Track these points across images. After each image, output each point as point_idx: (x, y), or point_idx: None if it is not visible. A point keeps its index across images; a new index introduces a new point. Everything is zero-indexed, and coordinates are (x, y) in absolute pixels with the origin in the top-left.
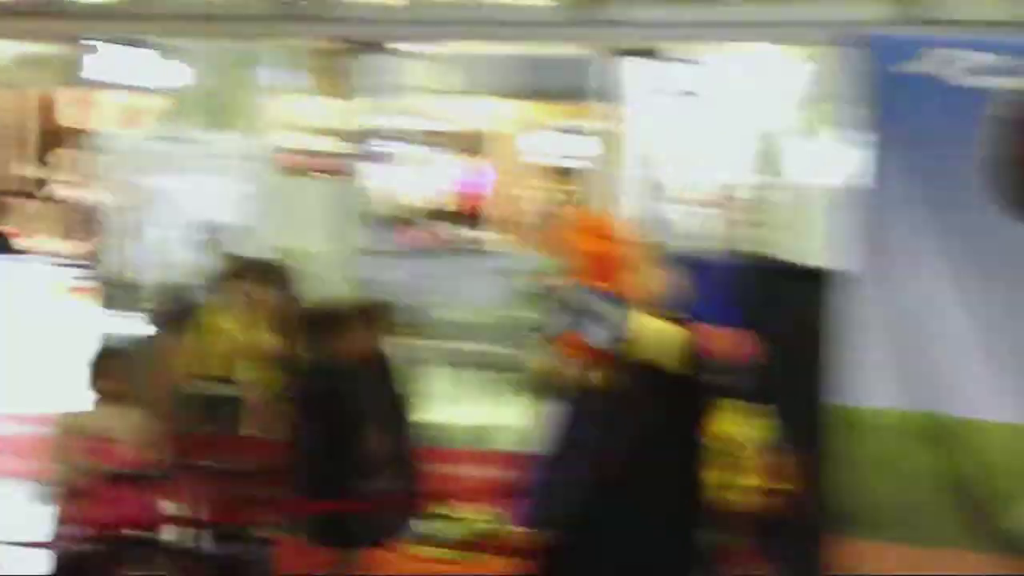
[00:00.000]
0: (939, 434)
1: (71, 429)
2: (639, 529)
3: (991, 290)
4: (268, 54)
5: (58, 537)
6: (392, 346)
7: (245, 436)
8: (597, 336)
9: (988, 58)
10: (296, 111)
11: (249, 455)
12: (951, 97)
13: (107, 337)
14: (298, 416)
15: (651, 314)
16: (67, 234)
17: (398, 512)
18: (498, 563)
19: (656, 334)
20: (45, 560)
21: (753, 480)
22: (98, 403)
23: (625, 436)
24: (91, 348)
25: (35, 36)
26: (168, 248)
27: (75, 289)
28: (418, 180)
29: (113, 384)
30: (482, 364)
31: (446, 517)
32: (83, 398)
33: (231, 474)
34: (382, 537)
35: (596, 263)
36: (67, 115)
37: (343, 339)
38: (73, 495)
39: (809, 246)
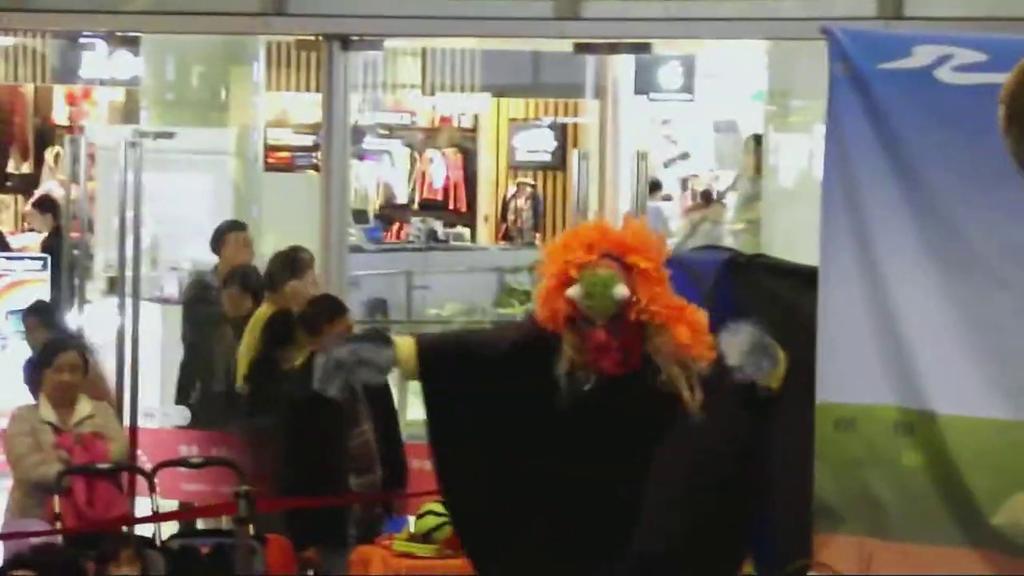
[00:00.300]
0: (927, 431)
1: (35, 423)
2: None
3: (977, 285)
4: (255, 49)
5: (30, 533)
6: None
7: (231, 432)
8: (764, 369)
9: (977, 55)
10: (283, 107)
11: (236, 451)
12: (939, 94)
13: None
14: (287, 412)
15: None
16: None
17: (386, 508)
18: None
19: (784, 360)
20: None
21: None
22: (54, 396)
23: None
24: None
25: (10, 30)
26: (158, 244)
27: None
28: (406, 176)
29: (71, 377)
30: None
31: (434, 513)
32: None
33: (217, 469)
34: (370, 534)
35: (652, 276)
36: (56, 111)
37: (331, 336)
38: (46, 490)
39: (796, 243)
